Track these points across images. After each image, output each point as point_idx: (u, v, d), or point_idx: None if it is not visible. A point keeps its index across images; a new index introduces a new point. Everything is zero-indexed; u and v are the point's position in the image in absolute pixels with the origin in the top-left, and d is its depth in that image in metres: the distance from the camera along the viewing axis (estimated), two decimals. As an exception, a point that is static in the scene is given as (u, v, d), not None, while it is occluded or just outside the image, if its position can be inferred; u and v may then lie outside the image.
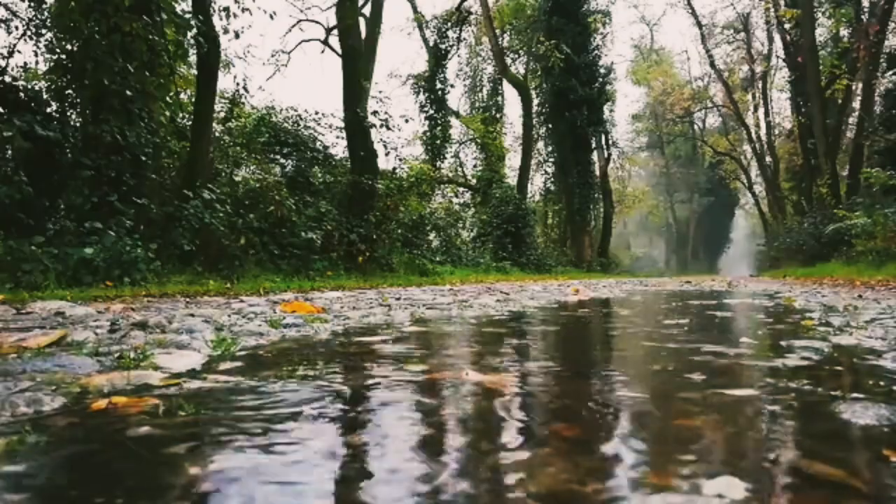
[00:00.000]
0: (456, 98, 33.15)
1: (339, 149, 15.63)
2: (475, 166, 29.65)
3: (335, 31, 18.42)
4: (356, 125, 13.31)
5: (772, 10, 29.03)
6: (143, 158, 8.31)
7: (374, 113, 14.28)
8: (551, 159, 30.58)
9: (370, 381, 1.57)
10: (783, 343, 2.28)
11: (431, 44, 28.52)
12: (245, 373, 1.68)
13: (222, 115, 14.76)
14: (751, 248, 54.12)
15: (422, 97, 27.60)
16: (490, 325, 3.30)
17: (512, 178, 28.70)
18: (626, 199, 43.11)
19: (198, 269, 8.40)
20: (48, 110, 8.29)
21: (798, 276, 16.38)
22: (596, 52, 29.26)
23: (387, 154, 17.34)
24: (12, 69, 8.82)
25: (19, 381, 1.43)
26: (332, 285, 8.89)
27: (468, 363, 1.90)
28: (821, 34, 26.50)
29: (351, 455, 0.96)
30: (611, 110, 31.64)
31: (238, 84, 15.53)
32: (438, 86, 27.83)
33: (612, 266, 30.85)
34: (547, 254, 25.09)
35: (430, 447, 1.00)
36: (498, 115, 30.33)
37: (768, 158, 36.20)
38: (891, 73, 21.09)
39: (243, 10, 10.23)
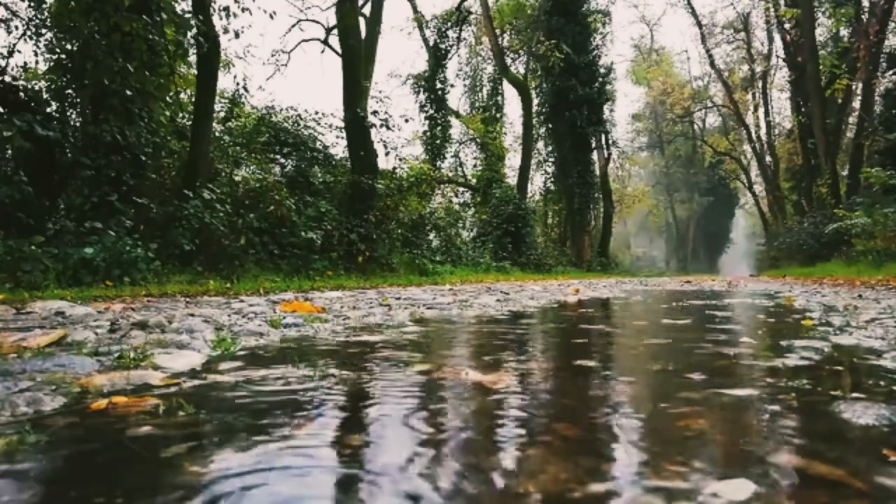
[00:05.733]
0: (456, 98, 33.17)
1: (339, 149, 15.65)
2: (475, 166, 29.65)
3: (335, 31, 18.41)
4: (356, 125, 13.31)
5: (772, 9, 29.06)
6: (143, 158, 8.31)
7: (374, 113, 14.29)
8: (551, 159, 30.56)
9: (370, 381, 1.57)
10: (783, 343, 2.28)
11: (431, 44, 28.50)
12: (245, 373, 1.68)
13: (222, 115, 14.76)
14: (751, 248, 54.14)
15: (422, 97, 27.59)
16: (490, 325, 3.30)
17: (512, 178, 28.69)
18: (626, 199, 43.10)
19: (198, 268, 8.40)
20: (48, 110, 8.29)
21: (798, 276, 16.38)
22: (596, 51, 29.25)
23: (387, 154, 17.37)
24: (12, 69, 8.82)
25: (19, 381, 1.43)
26: (332, 285, 8.89)
27: (468, 363, 1.90)
28: (821, 34, 26.53)
29: (351, 454, 0.96)
30: (611, 110, 31.67)
31: (238, 84, 15.56)
32: (438, 86, 27.82)
33: (612, 266, 30.84)
34: (547, 254, 25.07)
35: (430, 447, 1.00)
36: (498, 115, 30.32)
37: (768, 158, 36.23)
38: (891, 73, 21.12)
39: (243, 9, 10.23)
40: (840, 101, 24.03)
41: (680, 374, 1.67)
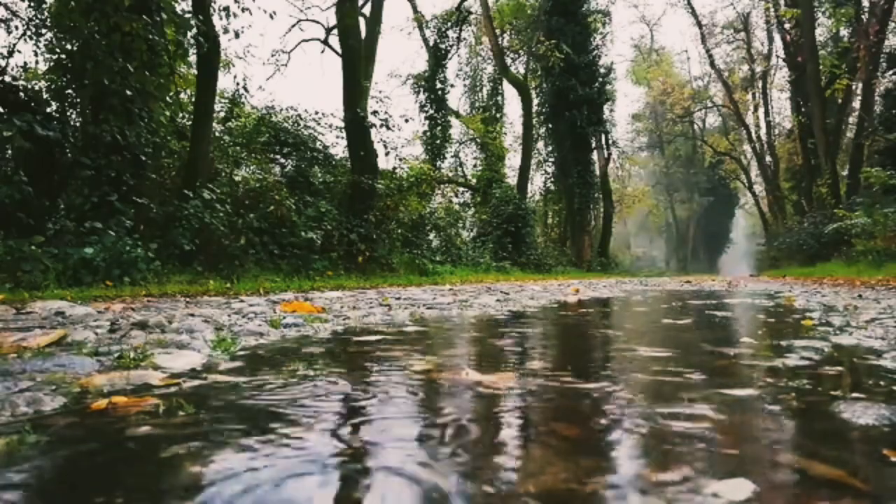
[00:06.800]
0: (456, 98, 33.19)
1: (339, 149, 15.65)
2: (475, 166, 29.65)
3: (335, 31, 18.42)
4: (356, 125, 13.31)
5: (772, 9, 29.06)
6: (143, 158, 8.31)
7: (374, 113, 14.29)
8: (551, 159, 30.56)
9: (370, 381, 1.57)
10: (783, 343, 2.28)
11: (431, 44, 28.50)
12: (245, 373, 1.68)
13: (222, 115, 14.76)
14: (751, 248, 54.15)
15: (422, 97, 27.59)
16: (490, 325, 3.30)
17: (512, 178, 28.69)
18: (626, 199, 43.10)
19: (198, 268, 8.40)
20: (48, 110, 8.29)
21: (798, 276, 16.38)
22: (596, 51, 29.25)
23: (387, 154, 17.38)
24: (12, 69, 8.82)
25: (19, 381, 1.43)
26: (332, 285, 8.89)
27: (468, 363, 1.90)
28: (821, 34, 26.54)
29: (352, 455, 0.96)
30: (611, 110, 31.66)
31: (238, 84, 15.56)
32: (438, 86, 27.81)
33: (612, 266, 30.84)
34: (547, 254, 25.07)
35: (430, 447, 1.00)
36: (498, 115, 30.31)
37: (768, 158, 36.24)
38: (891, 73, 21.14)
39: (243, 9, 10.22)
40: (840, 101, 24.04)
41: (680, 373, 1.67)
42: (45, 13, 8.86)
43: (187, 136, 10.57)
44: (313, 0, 42.20)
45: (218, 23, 10.00)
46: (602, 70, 29.57)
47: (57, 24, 8.52)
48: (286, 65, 23.63)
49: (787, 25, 27.17)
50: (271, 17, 11.35)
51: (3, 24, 8.70)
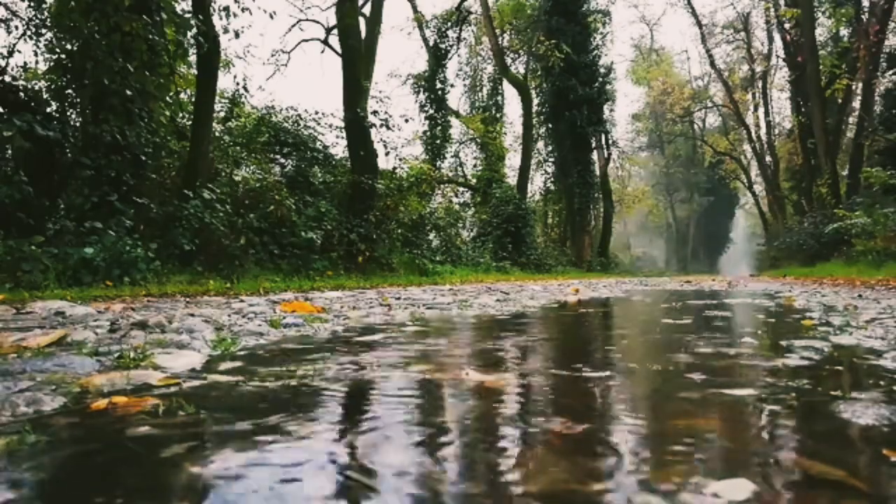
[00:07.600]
0: (456, 98, 33.19)
1: (339, 149, 15.67)
2: (475, 166, 29.66)
3: (335, 31, 18.42)
4: (356, 125, 13.31)
5: (772, 9, 29.08)
6: (143, 158, 8.32)
7: (374, 113, 14.30)
8: (551, 159, 30.58)
9: (370, 382, 1.57)
10: (783, 343, 2.28)
11: (431, 43, 28.50)
12: (245, 372, 1.68)
13: (222, 115, 14.76)
14: (751, 248, 54.12)
15: (422, 97, 27.60)
16: (490, 325, 3.30)
17: (512, 177, 28.71)
18: (626, 199, 43.11)
19: (198, 268, 8.40)
20: (48, 110, 8.29)
21: (798, 276, 16.37)
22: (596, 51, 29.28)
23: (387, 154, 17.41)
24: (12, 69, 8.82)
25: (19, 381, 1.43)
26: (332, 285, 8.88)
27: (468, 363, 1.90)
28: (821, 34, 26.55)
29: (351, 455, 0.96)
30: (611, 110, 31.71)
31: (238, 84, 15.54)
32: (438, 85, 27.82)
33: (612, 266, 30.86)
34: (547, 254, 25.08)
35: (430, 448, 1.00)
36: (498, 115, 30.32)
37: (768, 158, 36.25)
38: (891, 73, 21.14)
39: (243, 9, 10.22)
40: (840, 101, 24.07)
41: (680, 373, 1.67)
42: (45, 13, 8.86)
43: (187, 136, 10.56)
44: (313, 0, 42.18)
45: (218, 23, 10.01)
46: (602, 70, 29.61)
47: (57, 24, 8.51)
48: (286, 65, 23.65)
49: (787, 25, 27.19)
50: (271, 17, 11.36)
51: (3, 24, 8.70)
